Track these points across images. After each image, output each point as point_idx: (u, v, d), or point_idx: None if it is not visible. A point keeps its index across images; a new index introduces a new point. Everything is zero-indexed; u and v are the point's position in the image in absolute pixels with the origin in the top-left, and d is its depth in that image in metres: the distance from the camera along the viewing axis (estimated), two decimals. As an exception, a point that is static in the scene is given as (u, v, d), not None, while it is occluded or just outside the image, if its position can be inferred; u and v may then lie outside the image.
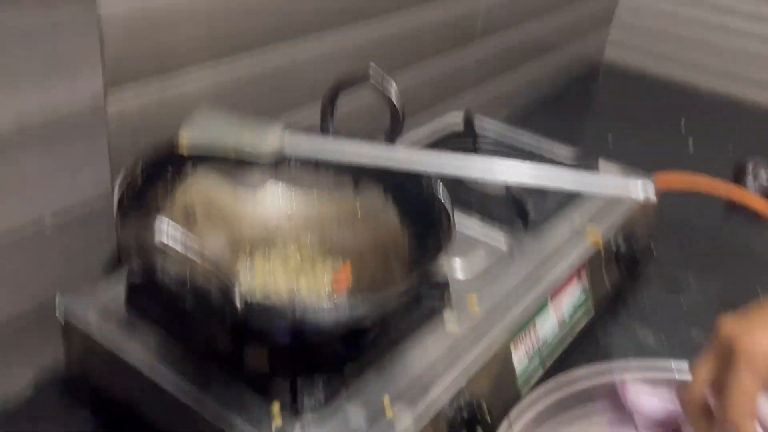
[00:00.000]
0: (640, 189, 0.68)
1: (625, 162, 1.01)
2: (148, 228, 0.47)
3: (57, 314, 0.67)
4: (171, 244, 0.47)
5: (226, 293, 0.50)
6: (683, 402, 0.60)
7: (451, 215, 0.66)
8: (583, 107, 1.59)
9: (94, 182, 0.69)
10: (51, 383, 0.71)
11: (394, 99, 0.75)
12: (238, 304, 0.51)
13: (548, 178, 0.69)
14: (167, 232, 0.47)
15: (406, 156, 0.69)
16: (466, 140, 1.04)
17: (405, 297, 0.61)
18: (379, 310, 0.59)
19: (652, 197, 0.70)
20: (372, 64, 0.75)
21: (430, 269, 0.60)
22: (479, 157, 0.71)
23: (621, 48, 1.77)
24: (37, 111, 0.62)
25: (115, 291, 0.68)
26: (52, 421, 0.68)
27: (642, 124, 1.48)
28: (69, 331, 0.67)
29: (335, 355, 0.63)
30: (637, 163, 0.96)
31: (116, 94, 0.68)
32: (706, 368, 0.58)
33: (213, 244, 0.71)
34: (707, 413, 0.59)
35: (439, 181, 0.70)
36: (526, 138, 1.08)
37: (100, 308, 0.67)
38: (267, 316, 0.55)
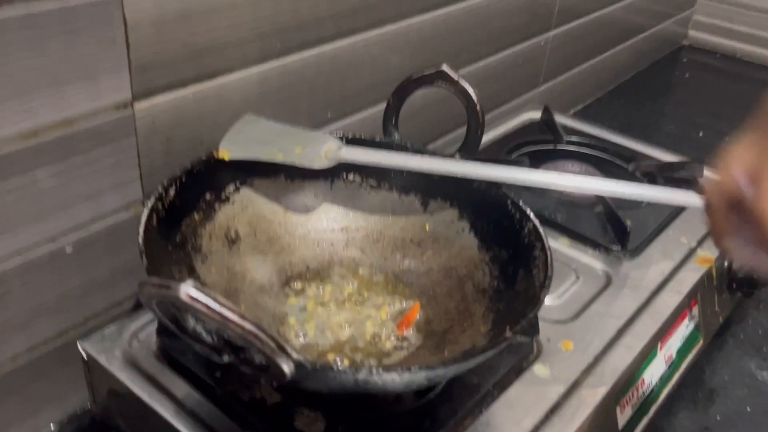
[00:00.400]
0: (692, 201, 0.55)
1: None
2: (172, 290, 0.36)
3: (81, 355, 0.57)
4: (201, 309, 0.36)
5: (271, 359, 0.39)
6: (709, 195, 0.46)
7: (546, 247, 0.54)
8: (667, 93, 1.43)
9: (121, 197, 0.59)
10: (77, 427, 0.62)
11: (474, 100, 0.63)
12: (286, 370, 0.40)
13: (638, 195, 0.57)
14: (195, 297, 0.36)
15: (476, 170, 0.58)
16: (547, 139, 0.91)
17: (490, 354, 0.49)
18: (456, 371, 0.47)
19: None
20: (445, 64, 0.62)
21: (525, 322, 0.48)
22: (556, 172, 0.58)
23: (705, 29, 1.60)
24: (54, 123, 0.52)
25: (145, 333, 0.58)
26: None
27: (727, 110, 1.32)
28: (94, 374, 0.58)
29: (402, 421, 0.52)
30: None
31: (146, 101, 0.58)
32: (746, 153, 0.43)
33: (258, 273, 0.60)
34: (735, 210, 0.44)
35: (523, 202, 0.58)
36: (616, 138, 0.94)
37: (126, 354, 0.56)
38: (322, 381, 0.44)
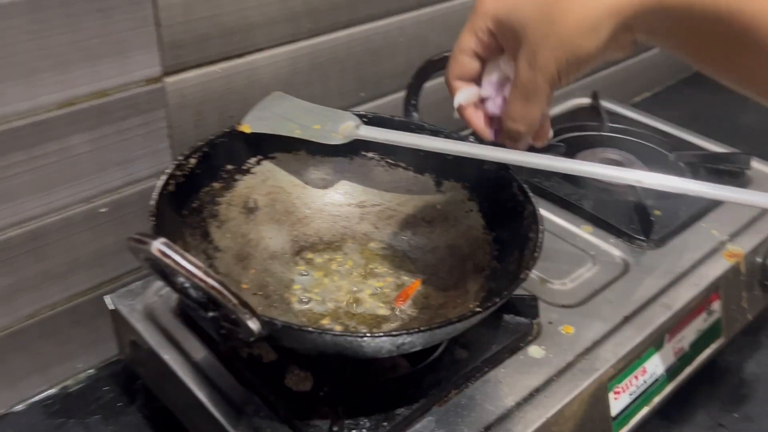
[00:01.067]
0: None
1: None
2: (146, 245, 0.40)
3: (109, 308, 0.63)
4: (169, 264, 0.40)
5: (237, 316, 0.42)
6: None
7: (540, 230, 0.54)
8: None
9: (151, 165, 0.64)
10: (106, 374, 0.69)
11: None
12: (253, 327, 0.43)
13: (669, 187, 0.56)
14: (165, 252, 0.39)
15: (493, 153, 0.59)
16: (591, 126, 0.90)
17: (474, 326, 0.51)
18: (426, 341, 0.49)
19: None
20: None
21: (506, 296, 0.49)
22: (569, 159, 0.58)
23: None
24: (87, 92, 0.57)
25: (167, 289, 0.63)
26: (103, 410, 0.65)
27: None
28: (119, 325, 0.63)
29: (386, 387, 0.54)
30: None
31: (176, 77, 0.62)
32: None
33: (273, 241, 0.64)
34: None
35: (526, 186, 0.59)
36: (664, 127, 0.92)
37: (147, 309, 0.62)
38: (294, 339, 0.47)
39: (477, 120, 0.53)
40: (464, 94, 0.53)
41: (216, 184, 0.62)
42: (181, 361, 0.57)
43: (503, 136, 0.52)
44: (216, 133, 0.62)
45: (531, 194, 0.58)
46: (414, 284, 0.61)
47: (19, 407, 0.65)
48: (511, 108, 0.49)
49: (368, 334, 0.45)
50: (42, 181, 0.58)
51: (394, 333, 0.44)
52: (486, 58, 0.51)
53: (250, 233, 0.63)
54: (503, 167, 0.61)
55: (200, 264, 0.40)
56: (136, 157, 0.63)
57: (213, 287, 0.40)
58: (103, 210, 0.63)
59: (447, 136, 0.64)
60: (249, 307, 0.41)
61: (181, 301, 0.61)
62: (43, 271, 0.61)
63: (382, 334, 0.44)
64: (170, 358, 0.58)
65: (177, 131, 0.65)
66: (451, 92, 0.53)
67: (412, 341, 0.46)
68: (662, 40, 0.46)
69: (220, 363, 0.57)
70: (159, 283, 0.64)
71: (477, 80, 0.53)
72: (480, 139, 0.64)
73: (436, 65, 0.66)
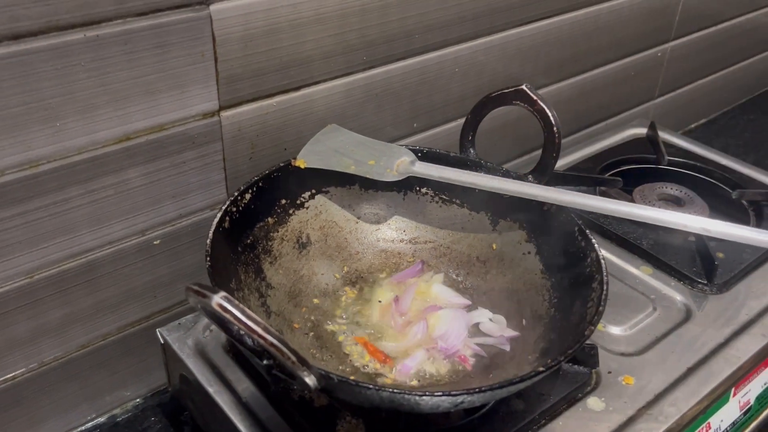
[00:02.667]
0: None
1: None
2: (206, 299, 0.39)
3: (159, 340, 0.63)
4: (229, 319, 0.39)
5: (293, 371, 0.41)
6: None
7: (604, 281, 0.52)
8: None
9: (206, 198, 0.64)
10: (154, 404, 0.69)
11: (552, 121, 0.62)
12: (309, 383, 0.42)
13: (732, 235, 0.54)
14: (225, 307, 0.38)
15: (553, 195, 0.57)
16: (648, 158, 0.87)
17: (534, 382, 0.49)
18: (484, 399, 0.47)
19: None
20: (526, 84, 0.62)
21: (570, 354, 0.47)
22: (634, 204, 0.56)
23: None
24: (144, 127, 0.57)
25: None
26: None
27: None
28: (169, 359, 0.63)
29: (444, 437, 0.53)
30: None
31: (233, 110, 0.62)
32: None
33: (324, 277, 0.63)
34: None
35: (588, 232, 0.57)
36: (725, 161, 0.89)
37: (197, 344, 0.61)
38: (348, 393, 0.46)
39: None
40: None
41: (270, 220, 0.62)
42: (230, 399, 0.57)
43: None
44: (271, 167, 0.62)
45: (594, 241, 0.56)
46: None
47: (68, 436, 0.65)
48: None
49: (427, 393, 0.43)
50: (98, 213, 0.58)
51: (453, 393, 0.43)
52: None
53: (303, 269, 0.62)
54: (564, 209, 0.59)
55: (259, 320, 0.39)
56: (190, 190, 0.63)
57: (272, 344, 0.39)
58: (156, 242, 0.63)
59: (505, 175, 0.63)
60: (306, 364, 0.40)
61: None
62: (96, 302, 0.61)
63: (441, 393, 0.43)
64: (218, 394, 0.57)
65: (231, 164, 0.64)
66: None
67: (473, 400, 0.44)
68: None
69: (269, 403, 0.56)
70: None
71: None
72: (541, 179, 0.62)
73: (495, 101, 0.64)
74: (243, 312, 0.39)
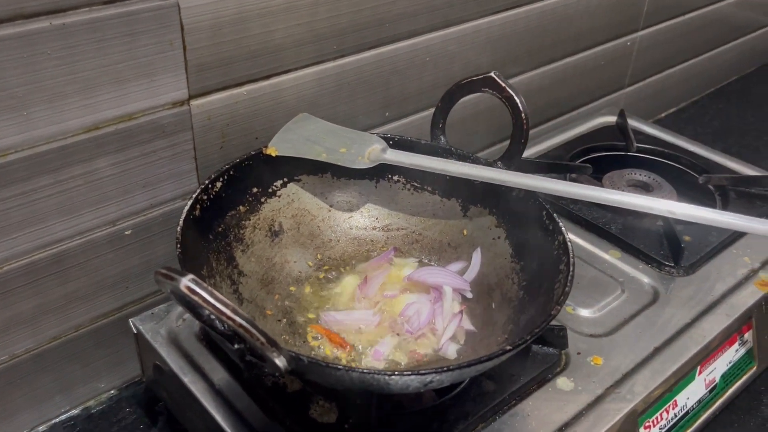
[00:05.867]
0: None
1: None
2: (175, 281, 0.39)
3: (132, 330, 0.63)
4: (198, 301, 0.39)
5: (263, 353, 0.42)
6: None
7: (571, 263, 0.53)
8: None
9: (177, 187, 0.64)
10: (128, 395, 0.69)
11: (520, 109, 0.63)
12: (279, 364, 0.42)
13: (697, 217, 0.55)
14: (193, 289, 0.39)
15: (522, 180, 0.58)
16: (618, 145, 0.89)
17: (501, 361, 0.50)
18: (453, 379, 0.48)
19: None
20: (495, 72, 0.63)
21: (537, 333, 0.48)
22: (600, 188, 0.57)
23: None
24: (114, 116, 0.57)
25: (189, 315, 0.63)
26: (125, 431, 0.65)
27: None
28: (142, 349, 0.63)
29: (412, 420, 0.53)
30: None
31: (202, 99, 0.62)
32: None
33: (297, 265, 0.63)
34: None
35: (556, 215, 0.57)
36: (693, 147, 0.90)
37: (170, 333, 0.61)
38: (319, 375, 0.46)
39: None
40: None
41: (242, 208, 0.62)
42: (204, 387, 0.57)
43: None
44: (242, 155, 0.62)
45: (561, 224, 0.57)
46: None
47: (42, 428, 0.65)
48: None
49: (396, 373, 0.44)
50: (68, 203, 0.58)
51: (422, 372, 0.44)
52: None
53: (275, 257, 0.63)
54: (532, 195, 0.60)
55: (228, 302, 0.39)
56: (160, 180, 0.63)
57: (241, 325, 0.39)
58: (127, 232, 0.63)
59: (475, 162, 0.64)
60: (276, 345, 0.41)
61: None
62: (67, 293, 0.61)
63: (409, 372, 0.44)
64: (193, 382, 0.57)
65: (202, 153, 0.64)
66: None
67: (441, 379, 0.45)
68: None
69: (243, 390, 0.56)
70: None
71: None
72: (509, 166, 0.63)
73: (464, 89, 0.65)
74: (211, 294, 0.39)
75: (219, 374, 0.58)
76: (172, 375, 0.58)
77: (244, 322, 0.39)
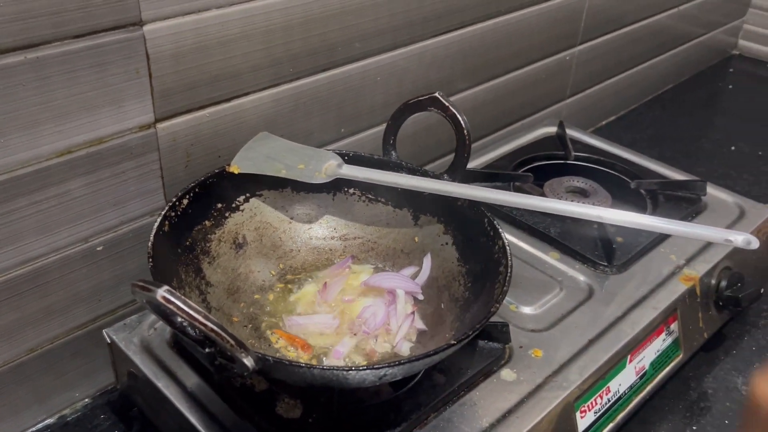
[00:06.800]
0: (740, 241, 0.59)
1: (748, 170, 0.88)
2: (151, 293, 0.44)
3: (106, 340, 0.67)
4: (173, 309, 0.44)
5: (233, 354, 0.46)
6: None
7: (509, 265, 0.59)
8: (709, 105, 1.43)
9: (145, 205, 0.68)
10: (103, 402, 0.72)
11: (462, 126, 0.69)
12: (248, 364, 0.47)
13: (623, 221, 0.61)
14: (168, 299, 0.43)
15: (465, 191, 0.64)
16: (558, 154, 0.95)
17: (447, 354, 0.55)
18: (406, 372, 0.53)
19: (754, 246, 0.61)
20: (439, 92, 0.68)
21: (479, 328, 0.53)
22: (535, 197, 0.63)
23: (757, 38, 1.58)
24: (85, 140, 0.61)
25: (162, 323, 0.67)
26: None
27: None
28: (116, 357, 0.67)
29: (370, 413, 0.58)
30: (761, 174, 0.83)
31: (168, 122, 0.66)
32: None
33: (261, 274, 0.68)
34: None
35: (496, 222, 0.63)
36: (626, 154, 0.97)
37: (143, 341, 0.65)
38: (284, 373, 0.51)
39: None
40: None
41: (207, 222, 0.66)
42: (177, 390, 0.61)
43: None
44: (207, 174, 0.67)
45: (501, 230, 0.63)
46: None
47: (20, 437, 0.69)
48: None
49: (353, 368, 0.49)
50: (43, 223, 0.62)
51: (376, 366, 0.49)
52: None
53: (240, 268, 0.67)
54: (476, 204, 0.66)
55: (200, 309, 0.44)
56: (130, 198, 0.67)
57: (212, 330, 0.44)
58: (99, 248, 0.67)
59: (423, 174, 0.69)
60: (245, 347, 0.46)
61: (176, 334, 0.65)
62: (44, 307, 0.65)
63: (365, 367, 0.49)
64: (166, 387, 0.61)
65: (168, 172, 0.69)
66: None
67: (394, 372, 0.50)
68: None
69: (213, 392, 0.61)
70: (154, 317, 0.68)
71: None
72: (455, 177, 0.69)
73: (412, 108, 0.71)
74: (185, 302, 0.44)
75: (190, 378, 0.62)
76: (146, 381, 0.62)
77: (215, 327, 0.44)
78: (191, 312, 0.44)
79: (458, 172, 0.69)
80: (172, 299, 0.43)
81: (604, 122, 1.30)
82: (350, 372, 0.49)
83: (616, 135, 1.23)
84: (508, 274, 0.58)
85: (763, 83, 1.51)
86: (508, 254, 0.60)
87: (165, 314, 0.49)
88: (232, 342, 0.44)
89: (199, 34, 0.65)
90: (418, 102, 0.70)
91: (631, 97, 1.34)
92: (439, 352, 0.51)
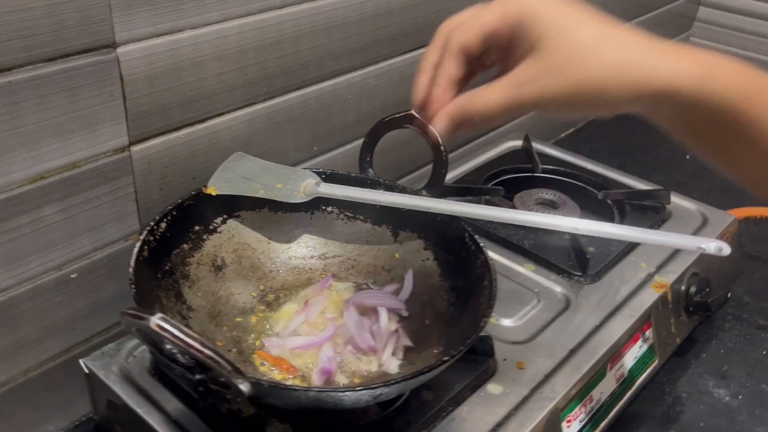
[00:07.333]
0: (712, 247, 0.61)
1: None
2: (144, 321, 0.43)
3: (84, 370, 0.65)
4: (168, 337, 0.43)
5: (229, 380, 0.46)
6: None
7: (492, 279, 0.60)
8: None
9: (120, 230, 0.67)
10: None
11: (439, 141, 0.69)
12: (243, 389, 0.46)
13: (598, 232, 0.63)
14: (163, 327, 0.42)
15: (441, 206, 0.64)
16: (525, 167, 0.97)
17: (441, 370, 0.55)
18: (400, 390, 0.54)
19: (726, 252, 0.63)
20: (414, 110, 0.69)
21: (470, 343, 0.54)
22: (514, 210, 0.64)
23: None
24: (58, 166, 0.60)
25: (140, 350, 0.66)
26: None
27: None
28: (94, 387, 0.65)
29: (365, 428, 0.58)
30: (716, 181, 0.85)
31: (142, 145, 0.65)
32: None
33: (241, 297, 0.67)
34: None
35: (477, 237, 0.64)
36: (591, 166, 0.99)
37: (123, 370, 0.64)
38: (278, 397, 0.51)
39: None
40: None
41: (185, 246, 0.65)
42: (160, 418, 0.60)
43: (456, 111, 0.50)
44: (183, 196, 0.66)
45: (482, 244, 0.63)
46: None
47: (-8, 474, 0.66)
48: (486, 90, 0.48)
49: (348, 389, 0.49)
50: (15, 252, 0.60)
51: (372, 386, 0.49)
52: (480, 51, 0.51)
53: (220, 291, 0.66)
54: (455, 219, 0.66)
55: (195, 336, 0.43)
56: (104, 223, 0.65)
57: (209, 357, 0.43)
58: (73, 276, 0.65)
59: (402, 191, 0.69)
60: (241, 372, 0.45)
61: (157, 360, 0.64)
62: (17, 339, 0.63)
63: (361, 387, 0.48)
64: (149, 414, 0.60)
65: (143, 196, 0.67)
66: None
67: (389, 392, 0.50)
68: (663, 121, 0.48)
69: (200, 419, 0.59)
70: (132, 345, 0.66)
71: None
72: (433, 193, 0.69)
73: (388, 125, 0.71)
74: (180, 329, 0.43)
75: (174, 405, 0.61)
76: (128, 409, 0.61)
77: (212, 354, 0.43)
78: (187, 339, 0.43)
79: (437, 188, 0.69)
80: (167, 327, 0.43)
81: (564, 134, 1.33)
82: (347, 393, 0.48)
83: (576, 147, 1.25)
84: (494, 288, 0.59)
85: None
86: (492, 269, 0.61)
87: (154, 342, 0.48)
88: (230, 368, 0.44)
89: (173, 56, 0.64)
90: (393, 119, 0.70)
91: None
92: (433, 369, 0.51)
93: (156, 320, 0.42)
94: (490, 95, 0.47)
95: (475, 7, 0.51)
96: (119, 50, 0.60)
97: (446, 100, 0.52)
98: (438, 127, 0.52)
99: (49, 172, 0.60)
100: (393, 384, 0.49)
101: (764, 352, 0.85)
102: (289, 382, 0.59)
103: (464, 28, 0.50)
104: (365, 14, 0.80)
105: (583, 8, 0.46)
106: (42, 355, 0.65)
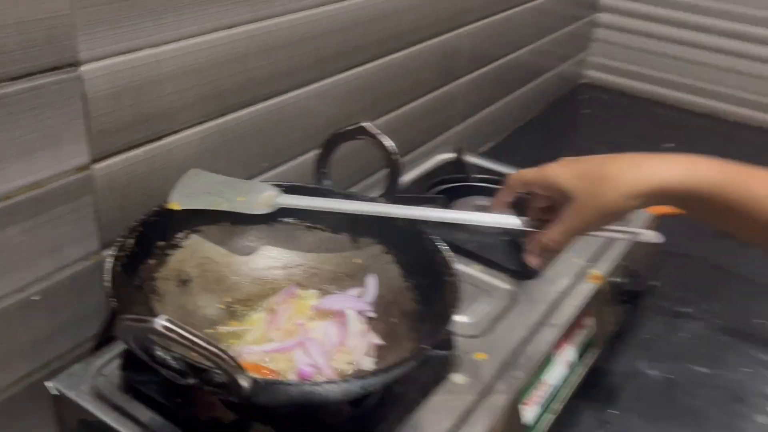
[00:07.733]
0: (652, 237, 0.68)
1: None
2: (149, 323, 0.44)
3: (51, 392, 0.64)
4: (174, 338, 0.44)
5: (232, 376, 0.47)
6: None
7: (453, 273, 0.64)
8: (570, 128, 1.59)
9: (81, 249, 0.67)
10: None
11: (392, 151, 0.73)
12: (245, 384, 0.48)
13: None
14: (170, 327, 0.44)
15: (395, 210, 0.68)
16: (459, 177, 1.03)
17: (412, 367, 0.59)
18: (386, 380, 0.57)
19: (660, 240, 0.70)
20: (368, 123, 0.73)
21: (439, 337, 0.57)
22: (461, 211, 0.69)
23: (601, 68, 1.77)
24: (22, 185, 0.59)
25: (109, 368, 0.65)
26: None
27: (624, 141, 1.47)
28: (63, 409, 0.64)
29: (343, 430, 0.60)
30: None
31: (104, 163, 0.66)
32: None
33: (209, 309, 0.68)
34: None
35: (435, 237, 0.68)
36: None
37: (93, 388, 0.63)
38: (272, 394, 0.53)
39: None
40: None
41: (151, 261, 0.66)
42: (139, 431, 0.60)
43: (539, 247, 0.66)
44: (148, 212, 0.66)
45: (440, 242, 0.68)
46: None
47: None
48: (552, 231, 0.64)
49: (338, 381, 0.51)
50: (-22, 275, 0.59)
51: (359, 376, 0.51)
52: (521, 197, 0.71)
53: (187, 304, 0.67)
54: (412, 221, 0.70)
55: (201, 335, 0.45)
56: (65, 243, 0.65)
57: (216, 354, 0.45)
58: (35, 297, 0.64)
59: (359, 199, 0.73)
60: (242, 368, 0.47)
61: (129, 376, 0.64)
62: (-21, 365, 0.61)
63: (353, 378, 0.51)
64: (126, 429, 0.60)
65: (104, 214, 0.67)
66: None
67: (376, 381, 0.53)
68: (679, 207, 0.61)
69: (179, 430, 0.60)
70: (100, 363, 0.66)
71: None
72: (390, 199, 0.73)
73: (341, 137, 0.74)
74: (186, 329, 0.44)
75: (152, 420, 0.61)
76: (103, 426, 0.61)
77: (218, 350, 0.45)
78: (194, 338, 0.44)
79: (393, 194, 0.73)
80: (174, 327, 0.44)
81: (487, 146, 1.40)
82: (339, 384, 0.51)
83: (498, 157, 1.33)
84: (456, 283, 0.63)
85: (612, 108, 1.69)
86: (450, 265, 0.65)
87: (147, 348, 0.49)
88: (233, 364, 0.46)
89: (135, 74, 0.65)
90: (347, 131, 0.74)
91: (507, 123, 1.45)
92: (414, 357, 0.54)
93: (162, 322, 0.44)
94: (555, 233, 0.64)
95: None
96: (83, 68, 0.61)
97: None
98: (533, 263, 0.67)
99: (14, 192, 0.59)
100: (381, 373, 0.52)
101: (687, 336, 0.93)
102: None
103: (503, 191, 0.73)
104: (308, 35, 0.84)
105: (587, 162, 0.65)
106: (4, 381, 0.64)
